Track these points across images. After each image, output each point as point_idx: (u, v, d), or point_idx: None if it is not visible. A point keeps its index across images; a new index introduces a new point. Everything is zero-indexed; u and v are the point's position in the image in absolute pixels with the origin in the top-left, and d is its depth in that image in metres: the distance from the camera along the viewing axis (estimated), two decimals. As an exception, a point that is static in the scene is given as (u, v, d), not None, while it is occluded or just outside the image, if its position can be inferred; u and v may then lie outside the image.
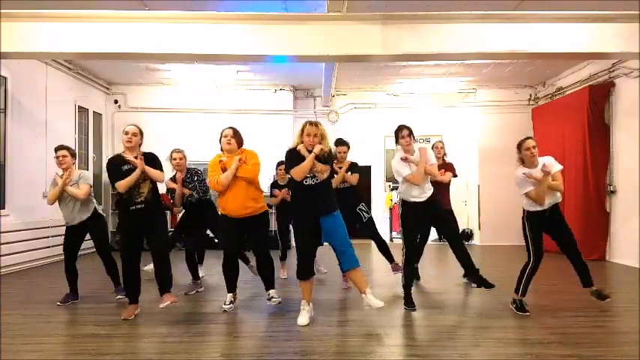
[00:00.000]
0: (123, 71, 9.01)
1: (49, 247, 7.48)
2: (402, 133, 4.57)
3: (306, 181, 4.02)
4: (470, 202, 10.83)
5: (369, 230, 5.46)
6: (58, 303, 4.76)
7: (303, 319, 4.00)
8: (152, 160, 4.32)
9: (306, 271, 4.03)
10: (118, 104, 9.94)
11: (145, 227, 4.23)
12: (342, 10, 4.96)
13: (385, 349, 3.39)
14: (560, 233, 4.39)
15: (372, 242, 5.53)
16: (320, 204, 4.05)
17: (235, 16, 4.76)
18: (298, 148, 4.04)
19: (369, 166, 10.78)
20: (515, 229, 9.76)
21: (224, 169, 4.31)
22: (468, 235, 10.62)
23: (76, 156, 4.75)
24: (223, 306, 4.52)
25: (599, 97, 7.93)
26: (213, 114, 9.99)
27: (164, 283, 4.22)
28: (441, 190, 5.32)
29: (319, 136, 4.01)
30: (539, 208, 4.31)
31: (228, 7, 5.73)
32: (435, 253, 9.16)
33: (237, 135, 4.49)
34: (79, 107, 8.74)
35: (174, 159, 5.34)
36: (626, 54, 4.91)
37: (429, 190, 4.58)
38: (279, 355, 3.25)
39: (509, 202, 10.23)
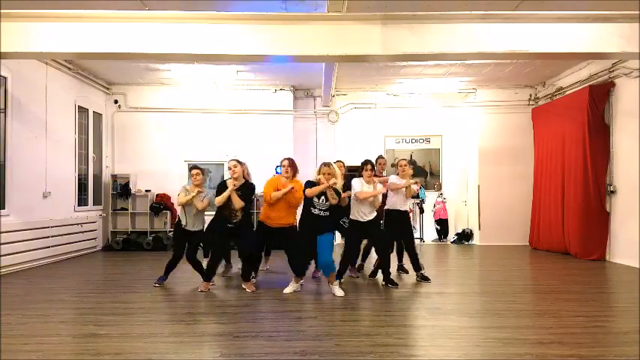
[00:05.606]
0: (123, 71, 9.00)
1: (49, 247, 7.48)
2: (367, 167, 5.53)
3: (314, 211, 5.19)
4: (470, 202, 10.82)
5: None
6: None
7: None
8: (247, 188, 5.40)
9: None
10: (118, 104, 9.92)
11: (234, 237, 5.53)
12: (342, 10, 4.95)
13: (385, 349, 3.39)
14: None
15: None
16: (320, 228, 5.23)
17: (235, 16, 4.76)
18: (317, 178, 5.16)
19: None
20: (516, 229, 9.98)
21: (277, 189, 5.41)
22: (468, 235, 10.60)
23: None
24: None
25: (599, 97, 7.92)
26: (213, 114, 10.01)
27: (245, 275, 5.48)
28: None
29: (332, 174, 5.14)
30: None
31: (228, 7, 5.74)
32: (434, 254, 9.16)
33: (293, 166, 5.50)
34: (79, 107, 8.72)
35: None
36: (626, 54, 4.90)
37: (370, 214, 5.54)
38: (279, 355, 3.25)
39: (509, 202, 10.32)
